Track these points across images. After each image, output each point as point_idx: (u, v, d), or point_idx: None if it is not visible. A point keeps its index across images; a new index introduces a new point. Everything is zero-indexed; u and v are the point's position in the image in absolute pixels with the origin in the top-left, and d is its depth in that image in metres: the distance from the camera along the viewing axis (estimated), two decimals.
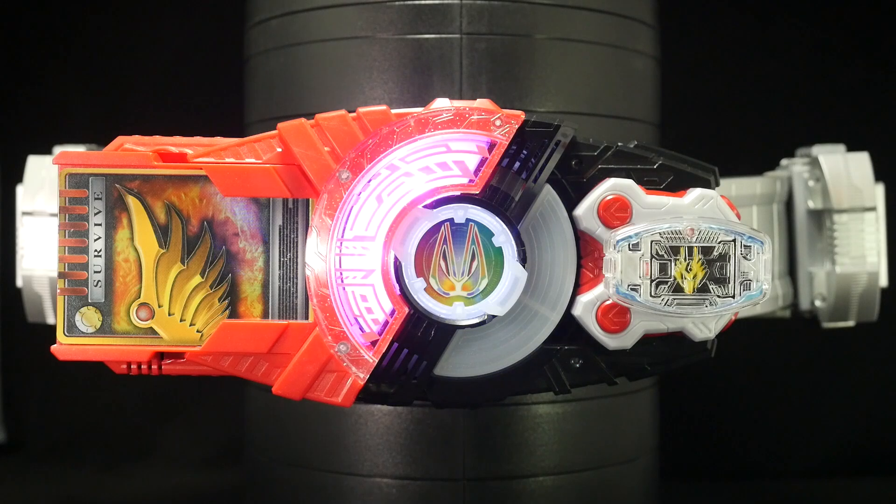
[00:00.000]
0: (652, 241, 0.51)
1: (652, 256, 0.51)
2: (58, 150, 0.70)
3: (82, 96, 1.01)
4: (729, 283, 0.51)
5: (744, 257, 0.51)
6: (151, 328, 0.52)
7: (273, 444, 0.70)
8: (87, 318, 0.52)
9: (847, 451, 0.97)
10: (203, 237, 0.52)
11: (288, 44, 0.67)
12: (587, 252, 0.52)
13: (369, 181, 0.51)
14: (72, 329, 0.52)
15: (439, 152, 0.51)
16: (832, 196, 0.72)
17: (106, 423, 1.00)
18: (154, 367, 0.52)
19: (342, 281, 0.51)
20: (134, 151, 0.52)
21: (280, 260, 0.52)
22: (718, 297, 0.51)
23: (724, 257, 0.51)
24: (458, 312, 0.51)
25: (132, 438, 0.99)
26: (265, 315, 0.52)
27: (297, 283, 0.52)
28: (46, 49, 1.01)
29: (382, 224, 0.51)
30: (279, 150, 0.52)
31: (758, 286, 0.51)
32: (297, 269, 0.52)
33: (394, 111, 0.51)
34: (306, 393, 0.51)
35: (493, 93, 0.63)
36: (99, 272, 0.52)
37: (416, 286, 0.50)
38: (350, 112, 0.51)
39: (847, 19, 1.00)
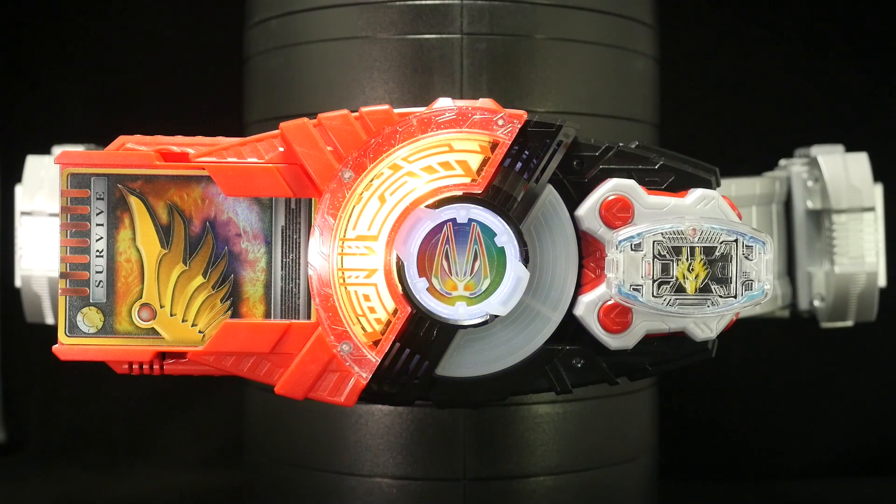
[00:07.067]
0: (654, 242, 0.51)
1: (654, 256, 0.51)
2: (57, 149, 0.70)
3: (82, 96, 1.01)
4: (731, 283, 0.51)
5: (746, 257, 0.51)
6: (153, 328, 0.52)
7: (273, 444, 0.70)
8: (89, 319, 0.52)
9: (847, 451, 0.98)
10: (205, 237, 0.52)
11: (288, 44, 0.67)
12: (589, 252, 0.52)
13: (372, 181, 0.51)
14: (73, 329, 0.52)
15: (442, 152, 0.51)
16: (831, 196, 0.72)
17: (106, 423, 1.00)
18: (156, 366, 0.52)
19: (344, 280, 0.51)
20: (136, 151, 0.52)
21: (283, 260, 0.52)
22: (720, 297, 0.51)
23: (726, 257, 0.51)
24: (460, 312, 0.51)
25: (132, 438, 0.99)
26: (267, 315, 0.52)
27: (299, 284, 0.52)
28: (46, 49, 1.01)
29: (385, 224, 0.51)
30: (281, 149, 0.52)
31: (760, 286, 0.51)
32: (299, 269, 0.52)
33: (396, 111, 0.51)
34: (309, 393, 0.51)
35: (494, 93, 0.63)
36: (101, 272, 0.52)
37: (418, 286, 0.50)
38: (352, 112, 0.51)
39: (847, 19, 1.00)
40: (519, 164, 0.51)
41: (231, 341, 0.51)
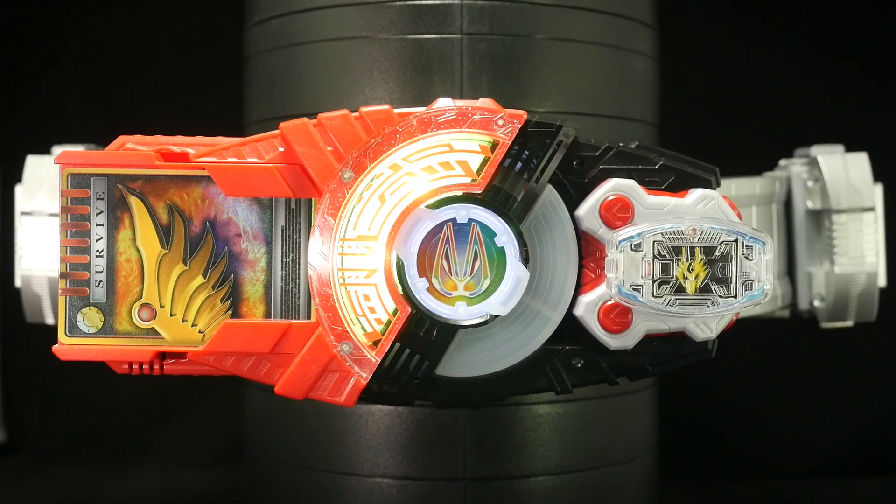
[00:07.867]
0: (654, 242, 0.51)
1: (654, 257, 0.51)
2: (57, 149, 0.70)
3: (82, 96, 1.01)
4: (731, 283, 0.51)
5: (746, 257, 0.51)
6: (153, 328, 0.52)
7: (273, 444, 0.70)
8: (89, 319, 0.52)
9: (847, 451, 0.98)
10: (205, 238, 0.52)
11: (288, 44, 0.67)
12: (589, 252, 0.52)
13: (372, 181, 0.51)
14: (73, 329, 0.52)
15: (442, 152, 0.51)
16: (831, 196, 0.72)
17: (106, 423, 1.00)
18: (156, 367, 0.52)
19: (344, 280, 0.51)
20: (136, 151, 0.52)
21: (283, 260, 0.52)
22: (720, 297, 0.51)
23: (726, 257, 0.51)
24: (460, 312, 0.51)
25: (132, 438, 0.99)
26: (267, 316, 0.52)
27: (299, 284, 0.52)
28: (46, 49, 1.01)
29: (385, 224, 0.51)
30: (281, 149, 0.52)
31: (760, 286, 0.51)
32: (299, 269, 0.52)
33: (396, 111, 0.51)
34: (309, 393, 0.51)
35: (494, 93, 0.63)
36: (101, 272, 0.52)
37: (418, 286, 0.50)
38: (352, 112, 0.51)
39: (846, 19, 1.00)
40: (519, 164, 0.51)
41: (231, 341, 0.51)
